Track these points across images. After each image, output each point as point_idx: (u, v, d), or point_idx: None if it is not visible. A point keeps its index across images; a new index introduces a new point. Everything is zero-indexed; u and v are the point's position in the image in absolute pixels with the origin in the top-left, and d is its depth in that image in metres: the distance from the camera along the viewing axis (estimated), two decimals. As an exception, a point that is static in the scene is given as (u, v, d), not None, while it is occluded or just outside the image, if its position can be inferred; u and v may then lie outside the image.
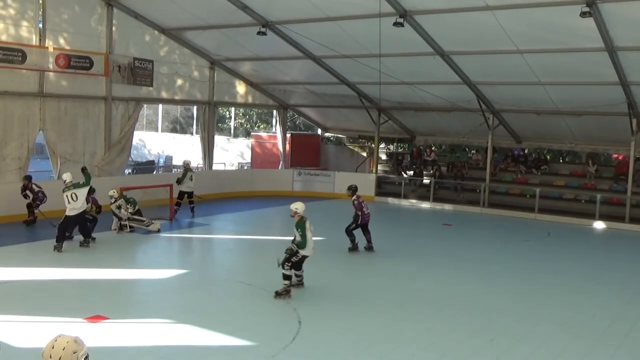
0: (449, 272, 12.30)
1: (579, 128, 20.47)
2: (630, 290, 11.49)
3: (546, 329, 8.94)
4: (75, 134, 17.92)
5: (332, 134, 28.61)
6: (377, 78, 17.81)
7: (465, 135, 22.75)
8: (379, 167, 24.50)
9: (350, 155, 27.62)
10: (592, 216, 18.93)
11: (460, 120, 22.03)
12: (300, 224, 9.93)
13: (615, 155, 22.59)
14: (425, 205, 21.88)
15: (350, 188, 13.70)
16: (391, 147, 27.91)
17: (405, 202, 22.25)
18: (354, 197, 13.55)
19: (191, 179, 17.26)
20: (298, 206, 10.10)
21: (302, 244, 9.86)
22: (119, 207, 14.57)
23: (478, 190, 21.48)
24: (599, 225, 18.58)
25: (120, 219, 14.65)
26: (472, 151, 24.66)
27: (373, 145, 24.62)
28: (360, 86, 21.50)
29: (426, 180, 23.05)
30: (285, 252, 9.84)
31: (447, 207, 21.48)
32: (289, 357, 7.63)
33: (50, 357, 3.11)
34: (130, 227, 14.76)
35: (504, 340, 8.37)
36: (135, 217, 14.88)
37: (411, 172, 24.15)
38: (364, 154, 27.18)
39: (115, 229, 14.81)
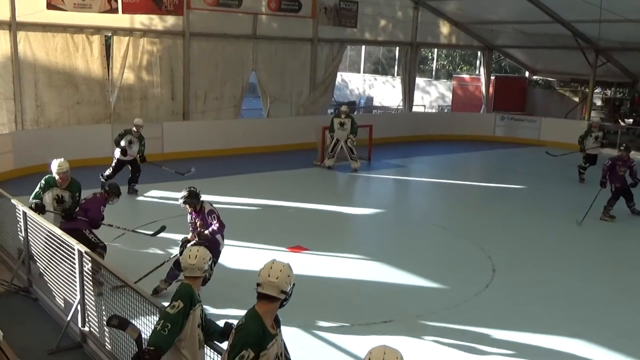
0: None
1: None
2: None
3: None
4: (284, 74, 18.83)
5: (541, 77, 26.80)
6: (596, 15, 16.13)
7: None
8: (593, 113, 22.53)
9: (560, 100, 25.69)
10: None
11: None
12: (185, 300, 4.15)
13: None
14: (644, 157, 19.80)
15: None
16: (608, 92, 25.45)
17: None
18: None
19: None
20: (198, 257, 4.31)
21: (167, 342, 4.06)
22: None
23: None
24: None
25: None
26: None
27: (587, 90, 22.63)
28: (576, 25, 19.68)
29: (646, 130, 20.82)
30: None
31: (671, 160, 19.23)
32: (479, 304, 7.54)
33: (269, 276, 3.42)
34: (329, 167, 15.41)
35: None
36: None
37: (630, 120, 21.94)
38: (576, 99, 25.13)
39: (319, 163, 15.57)
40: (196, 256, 4.27)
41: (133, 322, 4.59)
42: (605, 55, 21.12)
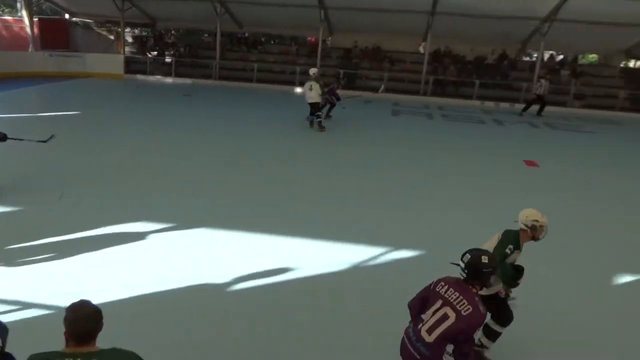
0: (187, 134, 15.87)
1: (285, 17, 25.84)
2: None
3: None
4: None
5: (80, 20, 30.37)
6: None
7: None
8: (126, 48, 27.72)
9: (99, 38, 29.99)
10: (293, 84, 25.10)
11: (193, 7, 26.14)
12: None
13: (310, 38, 29.06)
14: (169, 80, 26.07)
15: None
16: (136, 30, 30.95)
17: (152, 78, 26.08)
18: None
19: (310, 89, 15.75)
20: None
21: None
22: None
23: (211, 67, 26.30)
24: (298, 89, 24.78)
25: None
26: (205, 34, 29.28)
27: (120, 29, 27.62)
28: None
29: (168, 59, 27.14)
30: None
31: (187, 80, 25.93)
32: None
33: None
34: None
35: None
36: None
37: (155, 53, 27.95)
38: (112, 37, 29.86)
39: None
40: None
41: None
42: (131, 1, 26.33)
